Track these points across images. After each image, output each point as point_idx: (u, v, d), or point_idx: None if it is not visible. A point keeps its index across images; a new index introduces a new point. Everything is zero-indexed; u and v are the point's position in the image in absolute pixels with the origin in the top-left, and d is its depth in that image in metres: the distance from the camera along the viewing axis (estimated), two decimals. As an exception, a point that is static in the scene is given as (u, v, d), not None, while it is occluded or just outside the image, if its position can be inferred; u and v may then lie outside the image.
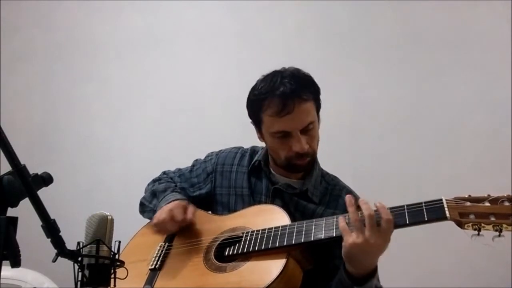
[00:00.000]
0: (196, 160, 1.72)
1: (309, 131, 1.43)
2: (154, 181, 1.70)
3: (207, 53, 2.83)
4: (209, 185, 1.62)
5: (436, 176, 2.39)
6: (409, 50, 2.59)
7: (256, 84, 1.49)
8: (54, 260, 0.92)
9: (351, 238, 1.18)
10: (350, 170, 2.33)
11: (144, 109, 2.85)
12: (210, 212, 1.59)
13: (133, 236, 1.61)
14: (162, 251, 1.49)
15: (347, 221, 1.23)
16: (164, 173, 1.73)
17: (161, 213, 1.47)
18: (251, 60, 2.69)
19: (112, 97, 2.90)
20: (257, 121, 1.50)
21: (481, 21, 2.52)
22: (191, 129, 2.75)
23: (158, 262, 1.45)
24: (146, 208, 1.63)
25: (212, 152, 1.70)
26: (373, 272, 1.25)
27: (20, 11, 3.06)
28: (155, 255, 1.48)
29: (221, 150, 1.69)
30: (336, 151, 2.44)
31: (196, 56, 2.84)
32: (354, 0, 2.67)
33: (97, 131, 2.87)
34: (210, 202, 1.61)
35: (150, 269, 1.45)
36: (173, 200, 1.50)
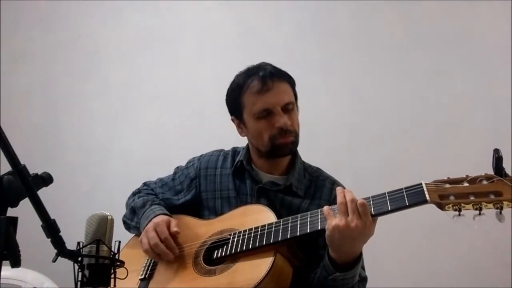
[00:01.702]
0: (178, 167, 1.71)
1: (290, 111, 1.47)
2: (133, 194, 1.69)
3: (207, 53, 2.82)
4: (194, 191, 1.61)
5: (436, 176, 2.36)
6: (409, 50, 2.58)
7: (234, 78, 1.57)
8: (54, 260, 0.92)
9: (334, 221, 1.21)
10: (350, 170, 2.33)
11: (144, 109, 2.84)
12: (197, 217, 1.58)
13: (123, 247, 1.60)
14: (151, 260, 1.49)
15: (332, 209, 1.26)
16: (144, 184, 1.72)
17: (146, 240, 1.44)
18: (251, 60, 2.66)
19: (112, 97, 2.90)
20: (238, 108, 1.52)
21: (481, 21, 2.52)
22: (191, 129, 2.75)
23: (148, 272, 1.46)
24: (129, 225, 1.62)
25: (193, 158, 1.70)
26: (357, 260, 1.26)
27: (20, 11, 3.06)
28: (144, 265, 1.49)
29: (202, 155, 1.69)
30: (336, 151, 2.44)
31: (196, 56, 2.84)
32: (355, 0, 2.67)
33: (97, 131, 2.87)
34: (197, 208, 1.60)
35: (140, 279, 1.45)
36: (153, 217, 1.48)
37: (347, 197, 1.22)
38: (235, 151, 1.65)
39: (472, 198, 1.11)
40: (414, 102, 2.54)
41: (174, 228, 1.44)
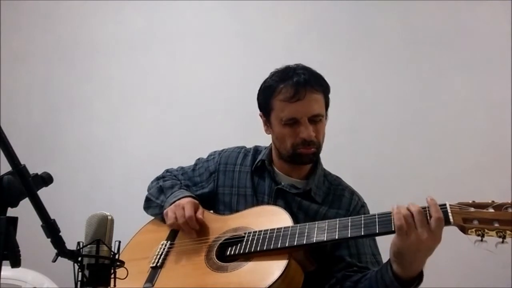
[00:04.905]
0: (199, 159, 1.72)
1: (317, 123, 1.46)
2: (158, 178, 1.70)
3: (207, 53, 2.82)
4: (212, 184, 1.62)
5: (436, 176, 2.39)
6: (409, 50, 2.58)
7: (269, 76, 1.53)
8: (54, 260, 0.92)
9: (402, 237, 1.15)
10: (350, 170, 2.32)
11: (144, 109, 2.85)
12: (212, 211, 1.59)
13: (135, 234, 1.61)
14: (164, 249, 1.49)
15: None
16: (167, 171, 1.74)
17: (173, 215, 1.46)
18: (251, 60, 2.69)
19: (112, 97, 2.90)
20: (267, 109, 1.51)
21: (481, 21, 2.52)
22: (191, 129, 2.75)
23: (160, 260, 1.45)
24: (153, 203, 1.62)
25: (215, 151, 1.71)
26: (421, 274, 1.21)
27: (20, 11, 3.06)
28: (156, 253, 1.48)
29: (223, 149, 1.70)
30: (336, 151, 2.44)
31: (196, 56, 2.84)
32: (355, 1, 2.67)
33: (97, 131, 2.87)
34: (213, 201, 1.61)
35: (151, 267, 1.44)
36: (183, 197, 1.50)
37: (413, 210, 1.15)
38: (256, 149, 1.66)
39: (496, 225, 1.09)
40: (414, 102, 2.54)
41: (199, 215, 1.46)
